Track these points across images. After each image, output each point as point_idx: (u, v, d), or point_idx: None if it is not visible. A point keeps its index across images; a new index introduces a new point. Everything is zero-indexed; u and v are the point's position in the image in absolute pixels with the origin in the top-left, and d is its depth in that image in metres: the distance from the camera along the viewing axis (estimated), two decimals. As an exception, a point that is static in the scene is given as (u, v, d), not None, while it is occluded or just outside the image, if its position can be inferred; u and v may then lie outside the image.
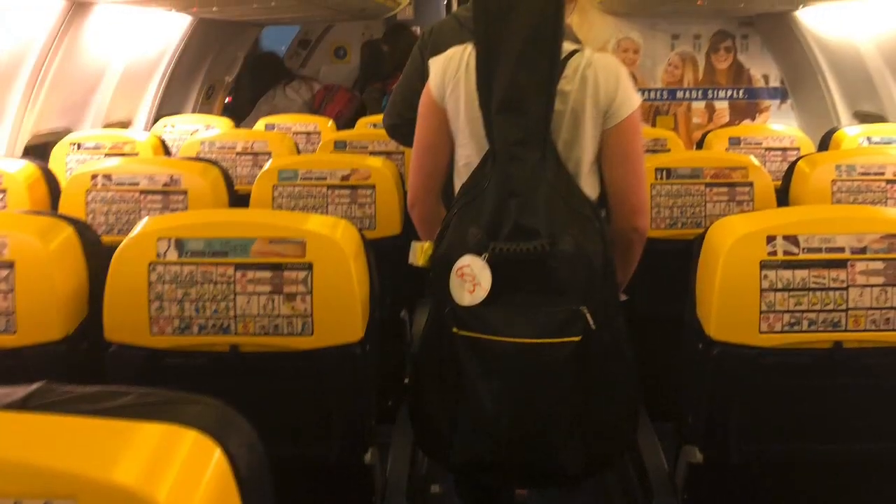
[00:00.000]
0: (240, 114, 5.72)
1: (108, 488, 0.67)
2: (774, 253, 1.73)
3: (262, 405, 1.32)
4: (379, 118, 3.66)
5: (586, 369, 1.69)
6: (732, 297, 1.75)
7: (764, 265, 1.73)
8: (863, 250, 1.73)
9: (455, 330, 1.70)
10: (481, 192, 1.75)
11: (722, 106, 6.45)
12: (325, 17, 6.39)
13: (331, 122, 4.64)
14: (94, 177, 2.67)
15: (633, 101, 1.86)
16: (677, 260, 1.99)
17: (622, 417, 1.84)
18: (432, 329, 1.83)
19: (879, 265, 1.73)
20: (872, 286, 1.74)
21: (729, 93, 6.43)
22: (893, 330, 1.74)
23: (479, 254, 1.70)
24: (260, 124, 4.51)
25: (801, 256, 1.73)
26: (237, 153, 3.70)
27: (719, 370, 1.78)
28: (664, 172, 2.70)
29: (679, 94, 6.44)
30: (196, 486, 0.74)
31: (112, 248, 1.76)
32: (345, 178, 2.70)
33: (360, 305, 1.75)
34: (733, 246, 1.74)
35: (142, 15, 4.28)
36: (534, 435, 1.73)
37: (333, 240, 1.73)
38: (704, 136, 4.08)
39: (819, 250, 1.73)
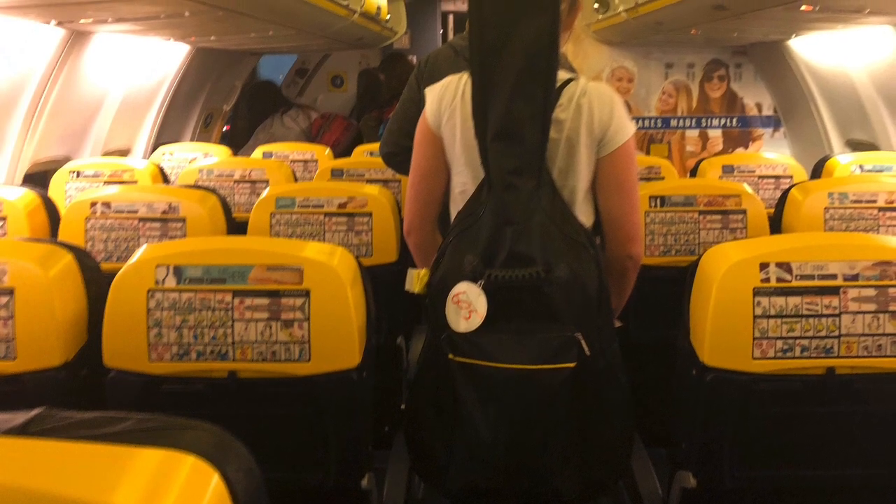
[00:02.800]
0: (238, 142, 5.74)
1: (108, 513, 0.67)
2: (767, 280, 1.74)
3: (260, 430, 1.33)
4: (376, 146, 3.69)
5: (581, 395, 1.70)
6: (726, 323, 1.76)
7: (757, 292, 1.74)
8: (855, 277, 1.75)
9: (451, 356, 1.71)
10: (477, 219, 1.77)
11: (715, 134, 6.49)
12: (322, 46, 6.44)
13: (328, 151, 4.65)
14: (93, 204, 2.69)
15: (627, 129, 1.88)
16: (671, 287, 2.00)
17: (617, 443, 1.85)
18: (428, 355, 1.83)
19: (871, 292, 1.75)
20: (864, 313, 1.75)
21: (722, 121, 6.47)
22: (885, 356, 1.75)
23: (474, 281, 1.71)
24: (258, 152, 4.53)
25: (794, 283, 1.74)
26: (235, 181, 3.72)
27: (713, 396, 1.79)
28: (658, 200, 2.72)
29: (673, 123, 6.49)
30: (194, 511, 0.74)
31: (111, 275, 1.78)
32: (342, 205, 2.72)
33: (357, 332, 1.76)
34: (727, 273, 1.76)
35: (141, 44, 4.31)
36: (529, 460, 1.73)
37: (331, 267, 1.75)
38: (698, 164, 4.11)
39: (812, 277, 1.75)
